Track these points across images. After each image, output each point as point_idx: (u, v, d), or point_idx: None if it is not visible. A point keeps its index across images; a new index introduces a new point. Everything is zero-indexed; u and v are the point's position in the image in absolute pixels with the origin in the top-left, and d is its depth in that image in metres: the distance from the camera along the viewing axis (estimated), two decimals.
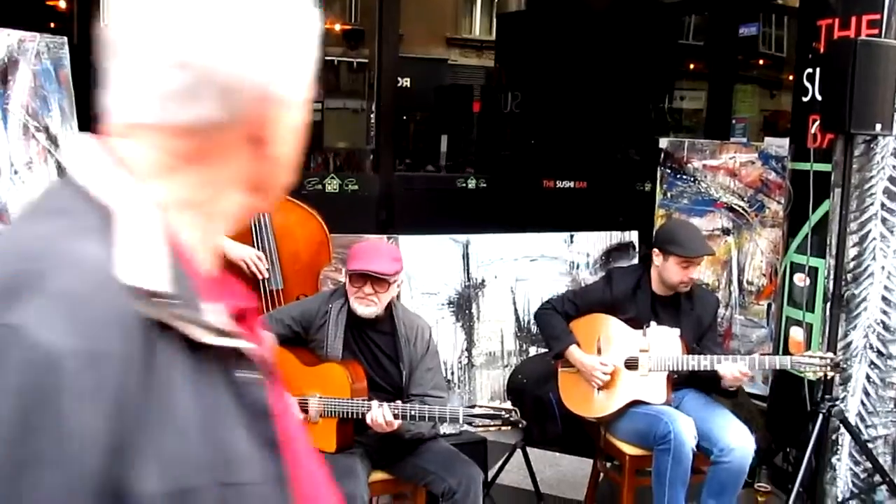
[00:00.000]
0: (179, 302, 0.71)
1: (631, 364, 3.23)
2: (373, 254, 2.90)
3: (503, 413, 2.67)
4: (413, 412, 2.72)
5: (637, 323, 3.24)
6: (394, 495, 3.15)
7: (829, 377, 3.15)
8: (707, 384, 3.21)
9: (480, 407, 2.73)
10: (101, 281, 0.68)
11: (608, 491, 3.54)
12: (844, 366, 3.27)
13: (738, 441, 3.01)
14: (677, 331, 3.19)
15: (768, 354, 3.90)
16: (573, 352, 3.29)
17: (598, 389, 3.26)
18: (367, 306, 2.87)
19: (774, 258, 4.56)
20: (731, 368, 3.04)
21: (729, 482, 3.06)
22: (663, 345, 3.17)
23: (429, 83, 11.05)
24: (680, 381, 3.25)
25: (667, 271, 3.22)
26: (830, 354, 3.09)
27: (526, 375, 4.52)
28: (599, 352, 3.27)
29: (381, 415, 2.69)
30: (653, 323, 3.23)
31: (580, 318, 3.34)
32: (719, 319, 4.07)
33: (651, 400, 3.18)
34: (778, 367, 3.09)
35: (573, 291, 3.66)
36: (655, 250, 3.27)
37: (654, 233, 3.59)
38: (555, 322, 3.34)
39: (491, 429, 2.73)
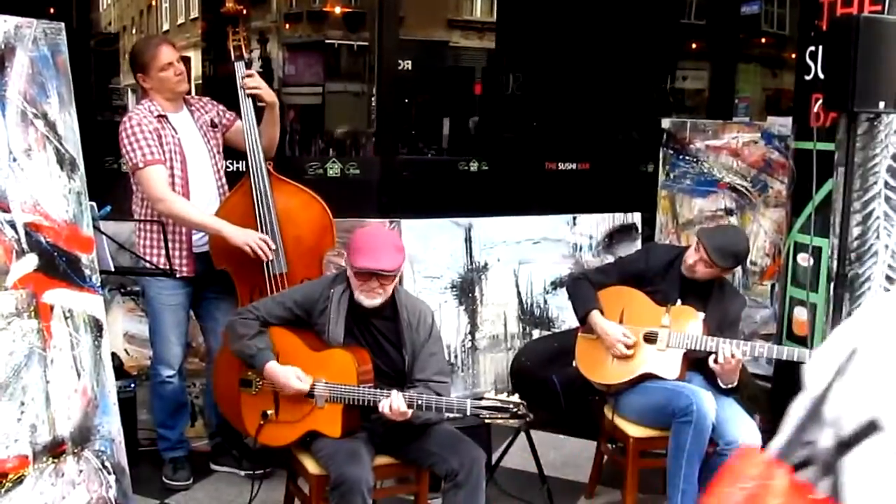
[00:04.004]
0: None
1: (650, 338, 3.24)
2: (377, 248, 2.84)
3: (510, 406, 2.67)
4: (421, 402, 2.72)
5: (663, 299, 3.25)
6: (398, 479, 3.16)
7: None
8: (714, 375, 3.20)
9: (488, 399, 2.72)
10: None
11: (612, 473, 3.55)
12: None
13: (745, 437, 3.00)
14: (702, 315, 3.20)
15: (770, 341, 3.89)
16: (595, 317, 3.30)
17: (614, 358, 3.27)
18: (373, 298, 2.85)
19: (778, 238, 4.54)
20: (728, 350, 3.03)
21: None
22: (685, 324, 3.18)
23: (430, 66, 10.99)
24: (691, 366, 3.24)
25: (689, 252, 3.23)
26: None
27: (529, 358, 4.52)
28: (622, 322, 3.29)
29: (396, 405, 2.70)
30: (678, 302, 3.24)
31: (608, 288, 3.37)
32: None
33: (664, 375, 3.18)
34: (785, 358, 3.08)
35: (608, 263, 3.82)
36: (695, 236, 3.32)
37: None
38: (584, 288, 3.38)
39: (498, 420, 2.73)
